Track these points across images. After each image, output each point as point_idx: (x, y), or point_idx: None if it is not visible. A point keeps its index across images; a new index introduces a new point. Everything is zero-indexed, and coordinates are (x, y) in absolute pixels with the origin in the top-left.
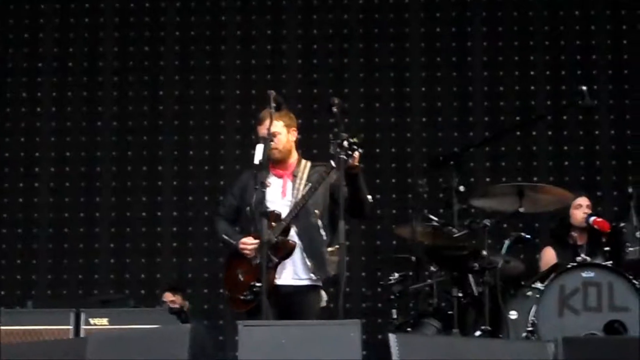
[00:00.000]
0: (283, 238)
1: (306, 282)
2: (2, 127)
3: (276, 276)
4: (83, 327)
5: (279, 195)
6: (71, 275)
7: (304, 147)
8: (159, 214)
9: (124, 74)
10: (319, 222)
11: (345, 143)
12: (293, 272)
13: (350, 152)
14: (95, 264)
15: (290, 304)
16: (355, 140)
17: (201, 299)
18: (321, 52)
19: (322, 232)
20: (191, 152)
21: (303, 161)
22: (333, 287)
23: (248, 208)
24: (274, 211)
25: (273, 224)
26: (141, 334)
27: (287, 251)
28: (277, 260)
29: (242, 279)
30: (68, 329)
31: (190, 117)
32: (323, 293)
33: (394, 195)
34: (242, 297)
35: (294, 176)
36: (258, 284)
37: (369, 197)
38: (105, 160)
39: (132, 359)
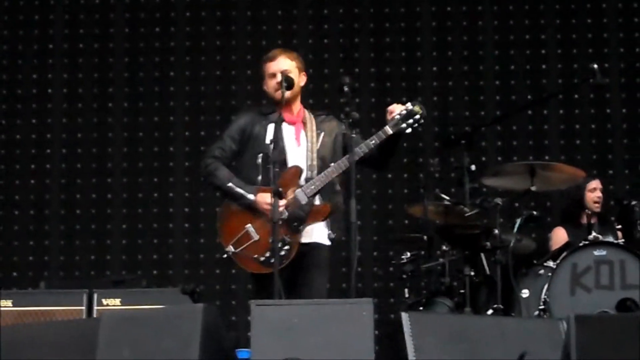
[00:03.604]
0: (317, 205)
1: (327, 242)
2: (14, 108)
3: (303, 236)
4: (96, 307)
5: (294, 143)
6: (83, 257)
7: None
8: (170, 194)
9: (134, 55)
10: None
11: (405, 111)
12: (320, 231)
13: (411, 122)
14: (107, 244)
15: (305, 257)
16: (417, 109)
17: (213, 279)
18: (332, 32)
19: (338, 187)
20: (202, 133)
21: (306, 110)
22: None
23: (260, 159)
24: (296, 167)
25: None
26: (154, 313)
27: (324, 215)
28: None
29: (255, 237)
30: (81, 310)
31: (201, 98)
32: None
33: (405, 175)
34: (261, 259)
35: (304, 124)
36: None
37: None
38: (117, 141)
39: (145, 338)
